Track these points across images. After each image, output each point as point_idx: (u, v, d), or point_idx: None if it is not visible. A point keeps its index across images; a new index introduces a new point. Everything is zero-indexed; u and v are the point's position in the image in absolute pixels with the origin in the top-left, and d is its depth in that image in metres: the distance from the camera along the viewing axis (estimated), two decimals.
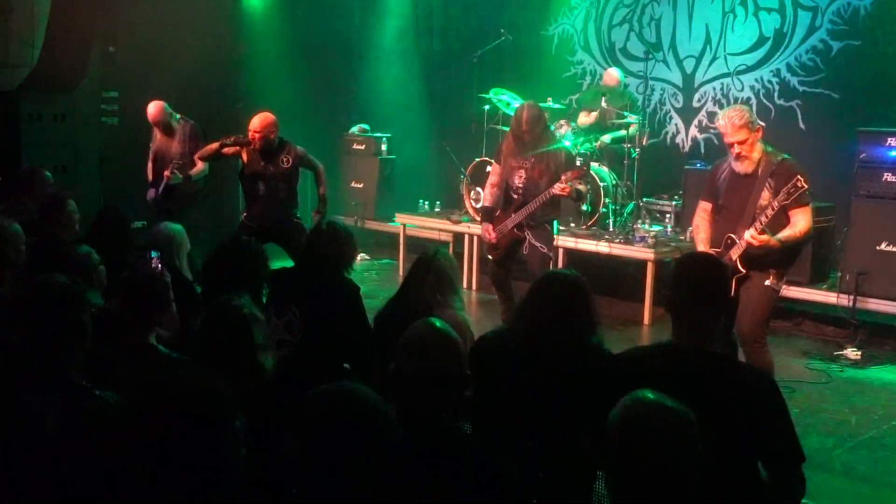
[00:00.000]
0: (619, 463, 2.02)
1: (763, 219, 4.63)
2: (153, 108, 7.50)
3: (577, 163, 6.28)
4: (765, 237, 4.60)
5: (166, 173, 7.28)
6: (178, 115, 7.59)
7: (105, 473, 2.14)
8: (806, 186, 4.56)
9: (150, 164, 7.67)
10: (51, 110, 8.22)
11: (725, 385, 2.64)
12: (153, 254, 3.99)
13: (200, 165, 7.29)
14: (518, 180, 6.09)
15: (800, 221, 4.68)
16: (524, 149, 6.03)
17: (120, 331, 3.18)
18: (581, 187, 6.18)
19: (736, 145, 4.74)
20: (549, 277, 3.40)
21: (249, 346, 2.84)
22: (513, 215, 6.09)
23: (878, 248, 6.84)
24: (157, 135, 7.62)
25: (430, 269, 3.87)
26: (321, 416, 1.98)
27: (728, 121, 4.74)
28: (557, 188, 5.85)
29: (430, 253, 4.00)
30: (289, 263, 5.73)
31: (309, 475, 1.95)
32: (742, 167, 4.79)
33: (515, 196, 6.13)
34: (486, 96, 8.85)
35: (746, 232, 4.63)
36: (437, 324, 2.57)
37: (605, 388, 2.75)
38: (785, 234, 4.66)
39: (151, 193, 7.58)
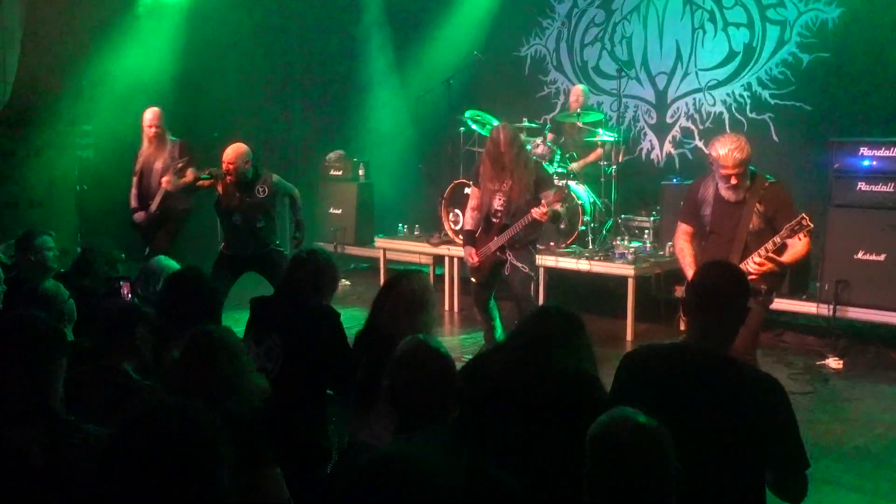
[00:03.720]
0: (593, 477, 2.04)
1: (763, 251, 4.57)
2: (151, 112, 7.31)
3: (556, 182, 6.28)
4: (773, 260, 4.56)
5: (164, 178, 7.07)
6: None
7: None
8: (811, 226, 4.47)
9: (133, 190, 7.41)
10: (25, 146, 8.17)
11: (737, 388, 2.67)
12: (122, 282, 3.97)
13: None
14: (497, 204, 6.08)
15: (800, 243, 4.61)
16: (502, 171, 6.02)
17: (93, 357, 3.13)
18: (559, 209, 6.18)
19: (733, 178, 4.67)
20: (545, 310, 3.37)
21: (233, 374, 2.83)
22: (495, 238, 6.08)
23: (855, 256, 6.88)
24: (144, 147, 7.37)
25: (393, 293, 3.77)
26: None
27: (729, 153, 4.60)
28: (538, 214, 5.83)
29: (397, 276, 3.92)
30: (270, 292, 5.68)
31: None
32: (735, 196, 4.74)
33: (495, 220, 6.12)
34: (462, 118, 8.87)
35: (750, 263, 4.57)
36: (426, 339, 2.68)
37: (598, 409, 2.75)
38: (788, 255, 4.62)
39: (141, 216, 7.32)
